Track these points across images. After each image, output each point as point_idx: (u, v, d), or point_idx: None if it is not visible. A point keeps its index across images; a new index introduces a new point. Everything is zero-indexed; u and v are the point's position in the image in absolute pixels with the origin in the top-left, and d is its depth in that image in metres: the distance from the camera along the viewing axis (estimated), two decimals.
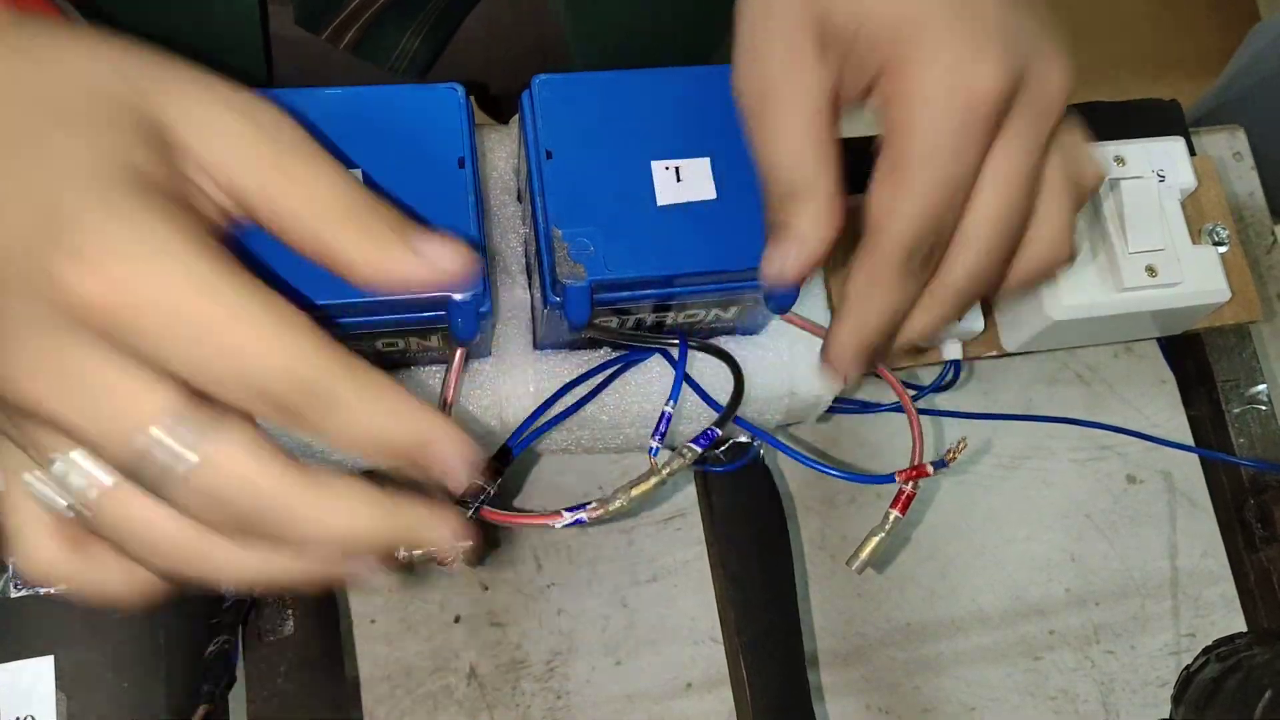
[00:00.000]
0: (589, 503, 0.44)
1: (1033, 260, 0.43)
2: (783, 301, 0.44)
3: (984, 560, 0.64)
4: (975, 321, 0.53)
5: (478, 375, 0.48)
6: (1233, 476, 0.60)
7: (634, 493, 0.43)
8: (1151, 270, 0.50)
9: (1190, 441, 0.64)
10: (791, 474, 0.63)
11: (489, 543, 0.61)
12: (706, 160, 0.44)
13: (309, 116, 0.42)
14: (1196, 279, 0.51)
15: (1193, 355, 0.62)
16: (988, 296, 0.44)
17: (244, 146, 0.33)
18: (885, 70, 0.39)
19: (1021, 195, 0.40)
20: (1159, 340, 0.66)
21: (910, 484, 0.46)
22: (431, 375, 0.48)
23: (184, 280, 0.30)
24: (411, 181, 0.42)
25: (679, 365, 0.46)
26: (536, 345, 0.48)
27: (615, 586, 0.61)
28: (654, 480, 0.44)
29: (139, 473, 0.31)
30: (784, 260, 0.41)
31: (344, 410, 0.32)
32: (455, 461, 0.34)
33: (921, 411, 0.59)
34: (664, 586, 0.62)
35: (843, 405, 0.55)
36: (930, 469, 0.46)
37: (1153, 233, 0.50)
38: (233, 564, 0.34)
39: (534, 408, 0.47)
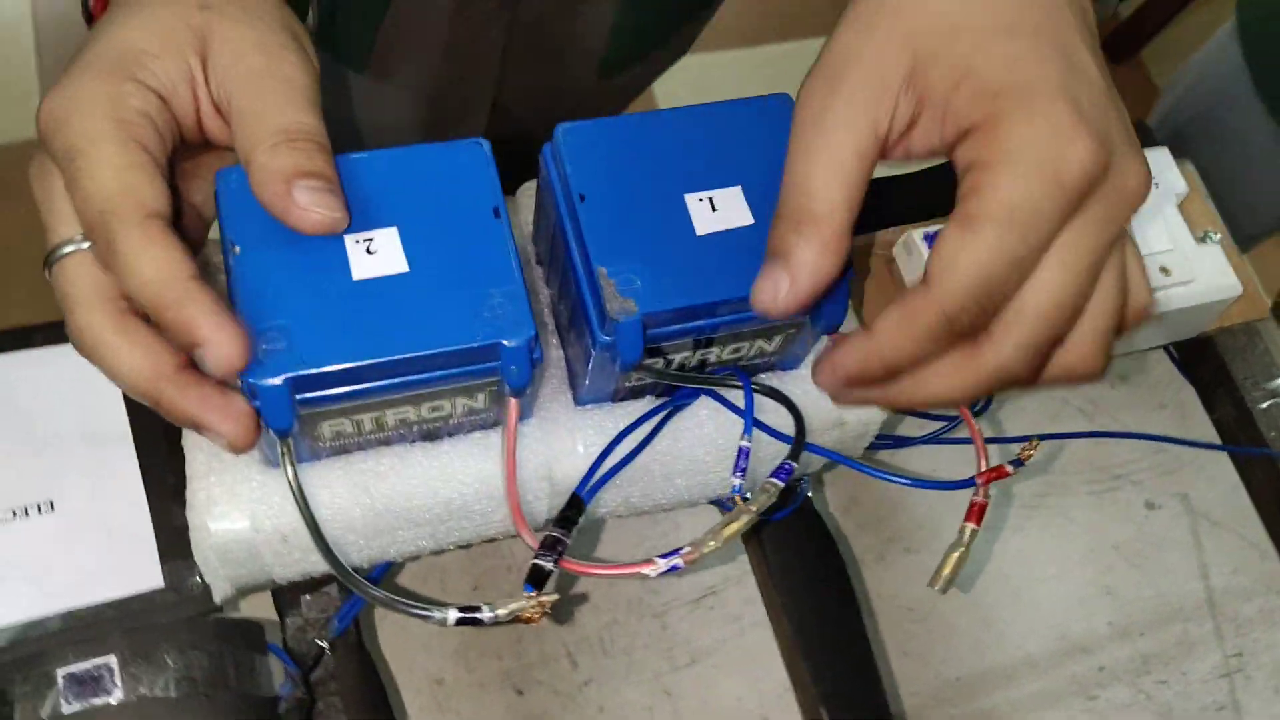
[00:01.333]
0: (682, 548, 0.42)
1: (1059, 369, 0.41)
2: (831, 320, 0.43)
3: (1022, 604, 0.62)
4: None
5: (522, 438, 0.46)
6: (1270, 472, 0.60)
7: (726, 533, 0.42)
8: (1165, 270, 0.51)
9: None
10: None
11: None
12: (738, 188, 0.44)
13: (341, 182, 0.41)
14: (1208, 276, 0.52)
15: (1208, 359, 0.63)
16: (1009, 387, 0.41)
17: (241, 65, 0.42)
18: (981, 126, 0.38)
19: (1081, 285, 0.39)
20: (1169, 353, 0.67)
21: (983, 493, 0.45)
22: (475, 443, 0.46)
23: (88, 140, 0.39)
24: (449, 235, 0.42)
25: (746, 398, 0.44)
26: (578, 402, 0.47)
27: (654, 674, 0.59)
28: (744, 519, 0.42)
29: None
30: (776, 287, 0.40)
31: (119, 258, 0.38)
32: (213, 352, 0.38)
33: (946, 440, 0.59)
34: (704, 669, 0.59)
35: (882, 441, 0.55)
36: (1009, 468, 0.45)
37: (1159, 235, 0.51)
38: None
39: (585, 464, 0.46)
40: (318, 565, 0.46)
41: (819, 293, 0.40)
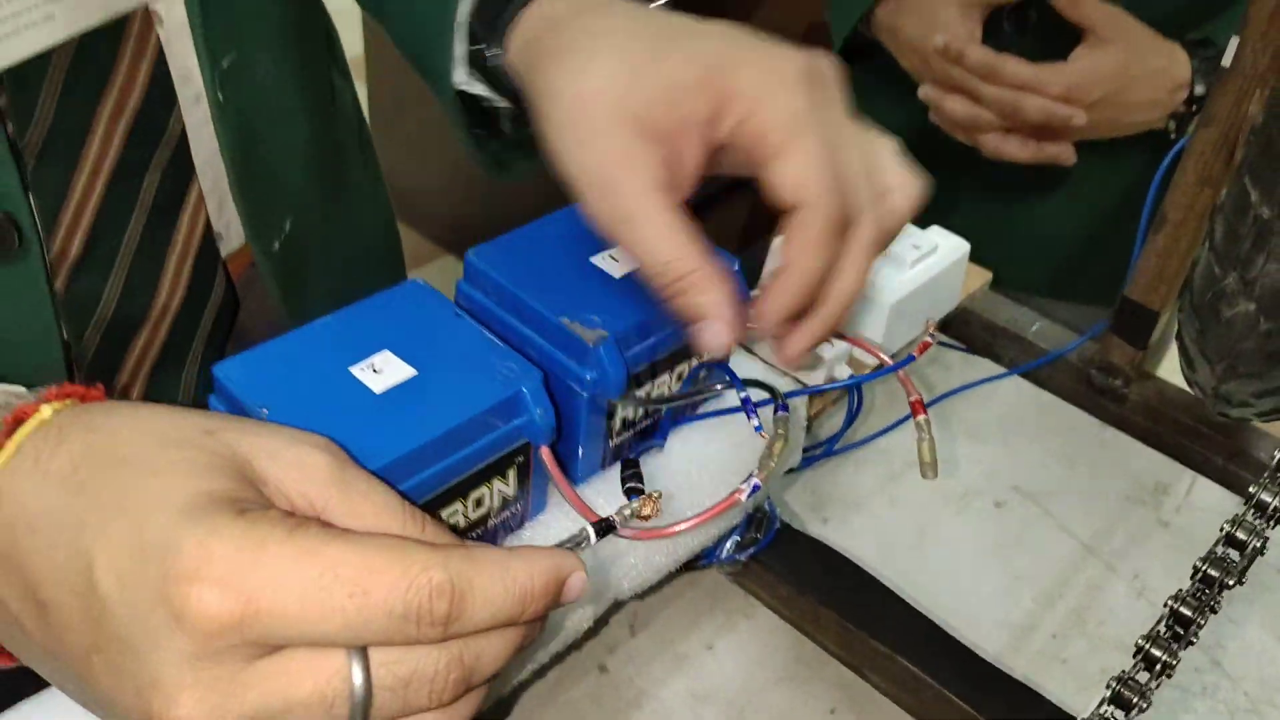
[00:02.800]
0: (751, 474, 0.46)
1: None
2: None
3: (963, 615, 0.68)
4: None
5: (546, 528, 0.49)
6: (1066, 371, 0.72)
7: (775, 451, 0.47)
8: (917, 247, 0.65)
9: None
10: None
11: None
12: None
13: (316, 345, 0.46)
14: (943, 243, 0.66)
15: (973, 324, 0.77)
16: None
17: (309, 471, 0.38)
18: (720, 109, 0.46)
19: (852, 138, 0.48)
20: (948, 344, 0.78)
21: (914, 390, 0.52)
22: (511, 542, 0.48)
23: (292, 559, 0.33)
24: (432, 341, 0.47)
25: (730, 374, 0.51)
26: (576, 481, 0.51)
27: None
28: (780, 442, 0.47)
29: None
30: (716, 339, 0.46)
31: (479, 586, 0.35)
32: (579, 583, 0.39)
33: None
34: None
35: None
36: (931, 339, 0.53)
37: None
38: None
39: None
40: None
41: (736, 304, 0.46)
